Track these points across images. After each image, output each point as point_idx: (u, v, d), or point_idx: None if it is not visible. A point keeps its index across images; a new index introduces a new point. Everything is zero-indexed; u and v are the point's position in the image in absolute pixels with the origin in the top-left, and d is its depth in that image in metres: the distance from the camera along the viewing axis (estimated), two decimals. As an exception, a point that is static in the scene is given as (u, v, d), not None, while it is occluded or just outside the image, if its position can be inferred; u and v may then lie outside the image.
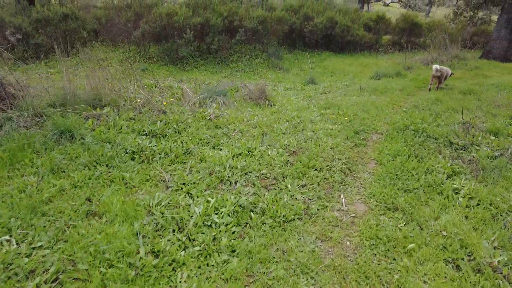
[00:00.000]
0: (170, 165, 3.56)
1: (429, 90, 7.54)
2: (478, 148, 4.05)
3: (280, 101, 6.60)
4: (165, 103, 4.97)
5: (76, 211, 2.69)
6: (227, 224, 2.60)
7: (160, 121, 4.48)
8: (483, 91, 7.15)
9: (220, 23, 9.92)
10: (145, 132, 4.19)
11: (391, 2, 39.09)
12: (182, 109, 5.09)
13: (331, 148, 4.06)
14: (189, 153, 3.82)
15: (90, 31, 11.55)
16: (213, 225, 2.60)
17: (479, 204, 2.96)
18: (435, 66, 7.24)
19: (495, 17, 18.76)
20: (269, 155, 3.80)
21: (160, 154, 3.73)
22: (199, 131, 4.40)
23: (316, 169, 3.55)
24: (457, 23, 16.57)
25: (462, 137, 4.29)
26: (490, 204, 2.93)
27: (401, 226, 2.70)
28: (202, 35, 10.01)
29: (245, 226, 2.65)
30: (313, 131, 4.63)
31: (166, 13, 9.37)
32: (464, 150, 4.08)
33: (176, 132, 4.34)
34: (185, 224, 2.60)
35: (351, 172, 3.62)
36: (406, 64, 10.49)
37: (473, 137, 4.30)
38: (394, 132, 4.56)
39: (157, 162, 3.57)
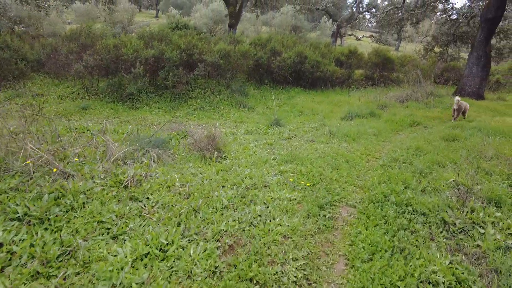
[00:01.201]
0: (28, 281, 2.25)
1: (454, 120, 8.12)
2: (482, 231, 2.99)
3: (236, 150, 5.47)
4: (52, 170, 3.66)
5: None
6: None
7: (49, 193, 3.18)
8: (466, 137, 6.33)
9: (176, 56, 8.89)
10: (18, 215, 2.87)
11: (363, 36, 40.29)
12: (93, 171, 3.82)
13: (284, 237, 2.88)
14: (68, 254, 2.52)
15: (33, 62, 10.26)
16: None
17: None
18: (457, 99, 7.82)
19: (463, 54, 19.02)
20: (190, 255, 2.56)
21: (20, 258, 2.42)
22: (104, 209, 3.12)
23: (257, 283, 2.34)
24: (428, 59, 16.48)
25: (458, 213, 3.23)
26: None
27: None
28: (155, 69, 8.91)
29: None
30: (265, 203, 3.46)
31: (114, 44, 8.26)
32: (464, 234, 3.00)
33: (69, 210, 3.05)
34: None
35: (310, 284, 2.42)
36: (380, 102, 9.76)
37: (472, 212, 3.26)
38: (370, 205, 3.45)
39: (7, 277, 2.25)
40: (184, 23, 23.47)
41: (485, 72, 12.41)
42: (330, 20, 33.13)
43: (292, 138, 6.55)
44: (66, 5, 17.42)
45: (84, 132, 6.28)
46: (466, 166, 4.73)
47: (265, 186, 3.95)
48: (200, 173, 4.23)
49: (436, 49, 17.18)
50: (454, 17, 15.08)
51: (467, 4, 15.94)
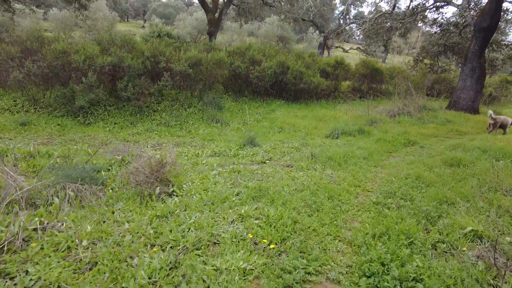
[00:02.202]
0: None
1: (489, 132, 8.04)
2: (538, 335, 1.89)
3: (191, 181, 4.31)
4: None
5: None
6: None
7: None
8: (472, 161, 5.32)
9: (139, 64, 7.75)
10: None
11: (350, 49, 39.98)
12: (-41, 226, 2.60)
13: None
14: None
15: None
16: None
17: None
18: (490, 113, 7.77)
19: (453, 66, 18.41)
20: None
21: None
22: None
23: None
24: (418, 70, 15.75)
25: (494, 296, 2.13)
26: None
27: None
28: (113, 79, 7.73)
29: None
30: (205, 281, 2.29)
31: (61, 49, 7.06)
32: None
33: None
34: None
35: None
36: (369, 117, 8.77)
37: (514, 294, 2.17)
38: (361, 280, 2.32)
39: None
40: (167, 32, 22.44)
41: (479, 85, 11.63)
42: (317, 31, 32.62)
43: (267, 161, 5.43)
44: (33, 9, 16.13)
45: (7, 156, 5.03)
46: (483, 204, 3.68)
47: (214, 243, 2.79)
48: (128, 222, 3.05)
49: (426, 61, 16.49)
50: (445, 27, 14.43)
51: (453, 17, 15.36)
